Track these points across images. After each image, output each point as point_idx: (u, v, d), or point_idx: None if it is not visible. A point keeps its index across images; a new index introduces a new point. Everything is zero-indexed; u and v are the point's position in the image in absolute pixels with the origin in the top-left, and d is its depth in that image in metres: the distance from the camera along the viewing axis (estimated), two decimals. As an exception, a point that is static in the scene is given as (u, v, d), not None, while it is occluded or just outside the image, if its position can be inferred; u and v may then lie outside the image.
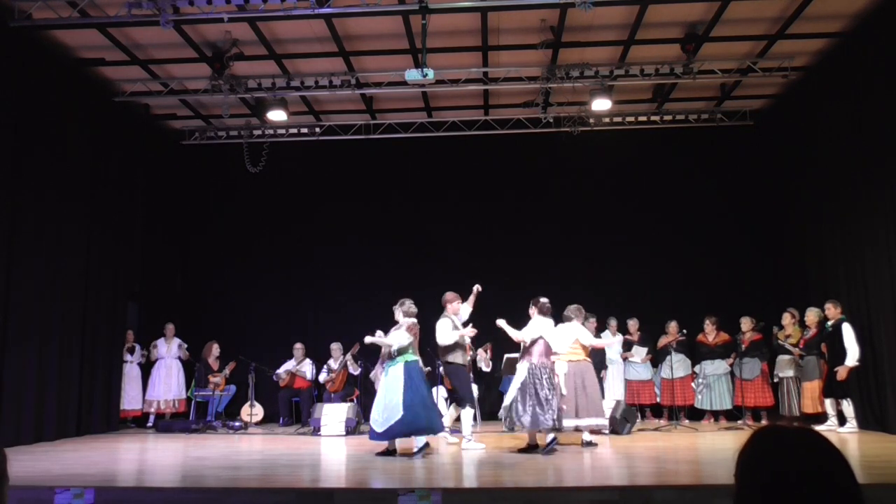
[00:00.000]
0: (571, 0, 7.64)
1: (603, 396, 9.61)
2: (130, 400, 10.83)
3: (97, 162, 9.98)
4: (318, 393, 11.11)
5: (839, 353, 8.62)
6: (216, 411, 10.93)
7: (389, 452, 7.09)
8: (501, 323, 7.43)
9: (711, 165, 11.80)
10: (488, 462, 6.68)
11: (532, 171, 12.10)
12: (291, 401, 11.19)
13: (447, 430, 8.40)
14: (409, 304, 7.41)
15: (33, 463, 6.68)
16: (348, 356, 10.72)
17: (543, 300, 7.48)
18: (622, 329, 11.00)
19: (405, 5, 8.12)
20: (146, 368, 11.14)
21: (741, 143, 11.61)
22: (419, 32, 8.39)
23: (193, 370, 11.14)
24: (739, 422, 10.03)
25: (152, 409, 10.91)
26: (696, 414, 10.62)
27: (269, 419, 11.27)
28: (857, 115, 8.97)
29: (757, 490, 1.25)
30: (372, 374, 9.52)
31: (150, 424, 10.79)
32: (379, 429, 6.98)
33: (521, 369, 7.29)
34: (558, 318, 7.86)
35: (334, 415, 9.39)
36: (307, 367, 11.09)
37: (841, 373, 8.53)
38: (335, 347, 11.02)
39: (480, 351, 10.09)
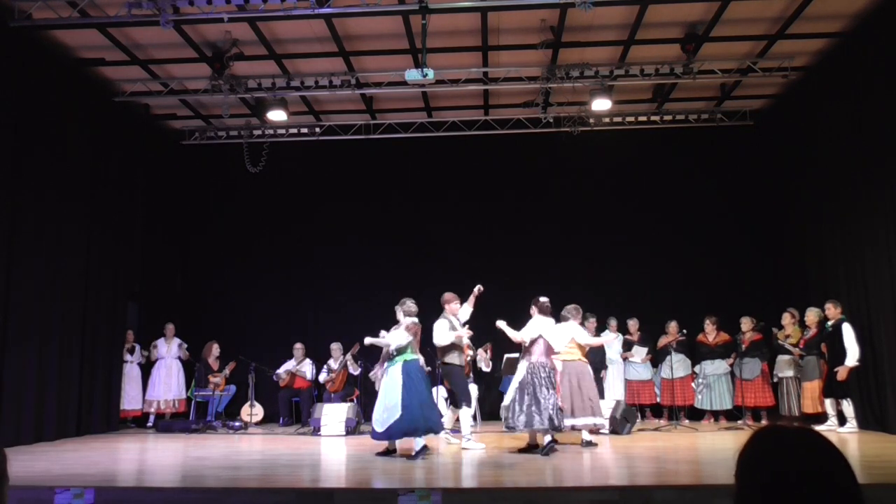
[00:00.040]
0: (571, 0, 7.64)
1: (603, 396, 9.64)
2: (130, 400, 10.83)
3: (97, 162, 9.98)
4: (318, 393, 11.11)
5: (839, 353, 8.62)
6: (216, 411, 10.93)
7: (389, 452, 7.10)
8: (501, 324, 7.44)
9: (711, 165, 11.80)
10: (488, 462, 6.68)
11: (532, 171, 12.10)
12: (291, 401, 11.19)
13: (447, 430, 8.40)
14: (410, 304, 7.41)
15: (33, 463, 6.68)
16: (348, 356, 10.72)
17: (543, 300, 7.49)
18: (622, 329, 11.00)
19: (405, 5, 8.12)
20: (146, 368, 11.14)
21: (741, 143, 11.61)
22: (419, 32, 8.39)
23: (193, 370, 11.14)
24: (739, 422, 10.03)
25: (152, 409, 10.91)
26: (696, 414, 10.62)
27: (269, 419, 11.27)
28: (857, 115, 8.97)
29: (757, 490, 1.25)
30: (372, 374, 9.52)
31: (150, 424, 10.80)
32: (379, 429, 7.00)
33: (521, 369, 7.31)
34: (558, 317, 7.86)
35: (334, 415, 9.39)
36: (307, 367, 11.09)
37: (841, 373, 8.53)
38: (335, 347, 11.02)
39: (480, 351, 10.09)
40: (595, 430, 8.05)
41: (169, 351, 11.14)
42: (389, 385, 7.03)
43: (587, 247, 11.70)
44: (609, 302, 11.02)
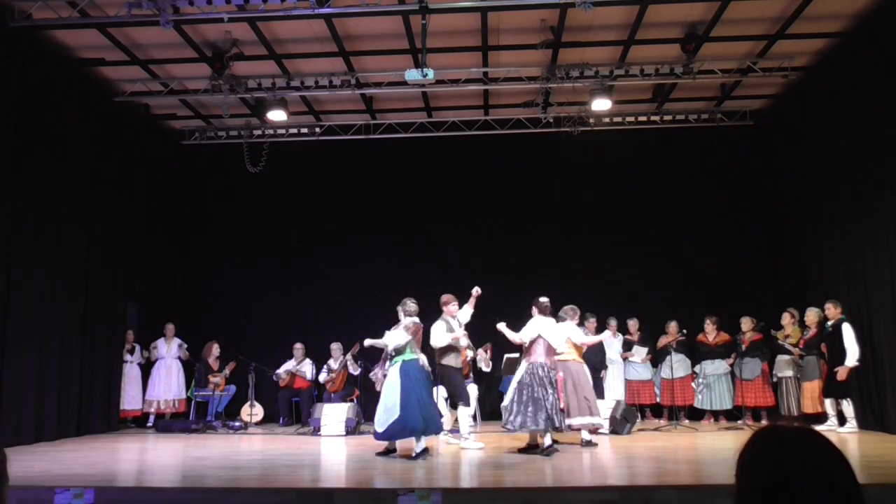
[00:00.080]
0: (571, 0, 7.64)
1: (603, 396, 9.65)
2: (130, 400, 10.83)
3: (97, 162, 9.98)
4: (318, 393, 11.11)
5: (839, 353, 8.62)
6: (216, 411, 10.93)
7: (389, 452, 7.10)
8: (501, 327, 7.43)
9: (711, 165, 11.80)
10: (488, 462, 6.68)
11: (532, 171, 12.10)
12: (291, 401, 11.19)
13: (446, 431, 8.40)
14: (410, 304, 7.41)
15: (33, 463, 6.68)
16: (348, 356, 10.73)
17: (543, 300, 7.49)
18: (622, 329, 11.01)
19: (405, 5, 8.12)
20: (146, 368, 11.15)
21: (741, 143, 11.61)
22: (419, 32, 8.39)
23: (193, 370, 11.14)
24: (739, 422, 10.03)
25: (152, 409, 10.91)
26: (696, 414, 10.62)
27: (269, 419, 11.27)
28: (857, 115, 8.97)
29: (757, 490, 1.25)
30: (372, 374, 9.53)
31: (150, 424, 10.80)
32: (379, 429, 7.02)
33: (521, 369, 7.31)
34: (558, 318, 7.86)
35: (334, 415, 9.39)
36: (307, 367, 11.09)
37: (841, 373, 8.53)
38: (335, 347, 11.02)
39: (480, 351, 10.09)
40: (595, 430, 8.05)
41: (169, 351, 11.15)
42: (389, 386, 7.04)
43: (587, 247, 11.69)
44: (609, 302, 11.02)
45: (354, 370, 10.74)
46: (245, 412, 10.71)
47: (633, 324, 11.01)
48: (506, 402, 7.30)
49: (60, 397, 8.99)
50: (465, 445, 7.59)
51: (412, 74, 8.42)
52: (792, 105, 10.88)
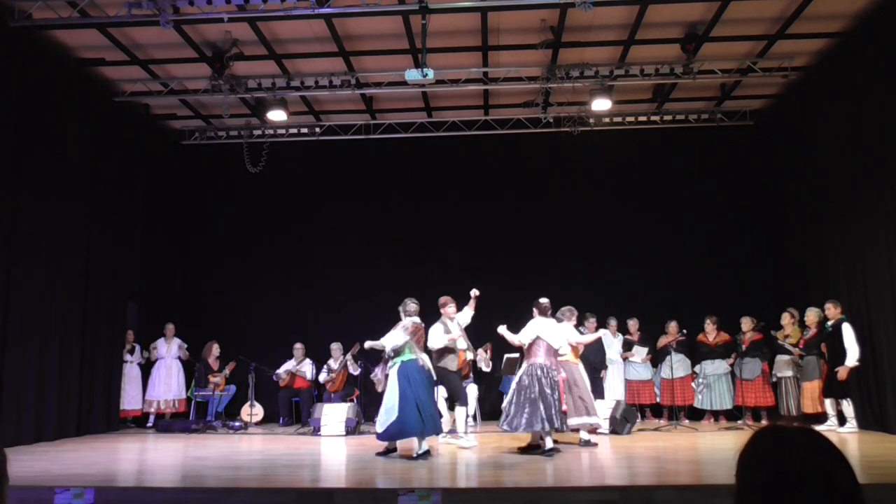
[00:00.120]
0: (571, 0, 7.64)
1: (603, 396, 9.65)
2: (130, 400, 10.83)
3: (97, 162, 9.98)
4: (318, 393, 11.11)
5: (839, 353, 8.62)
6: (216, 411, 10.93)
7: (389, 452, 7.10)
8: (502, 330, 7.42)
9: (711, 165, 11.80)
10: (488, 462, 6.68)
11: (532, 171, 12.10)
12: (291, 401, 11.19)
13: (445, 433, 8.41)
14: (410, 304, 7.41)
15: (33, 463, 6.68)
16: (348, 356, 10.73)
17: (543, 301, 7.48)
18: (622, 329, 11.01)
19: (405, 5, 8.12)
20: (146, 368, 11.15)
21: (741, 143, 11.61)
22: (419, 32, 8.39)
23: (193, 370, 11.14)
24: (739, 422, 10.03)
25: (152, 409, 10.92)
26: (696, 414, 10.62)
27: (269, 419, 11.27)
28: (857, 115, 8.97)
29: (757, 490, 1.25)
30: (373, 375, 9.56)
31: (150, 424, 10.80)
32: (379, 429, 7.06)
33: (521, 370, 7.33)
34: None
35: (334, 415, 9.39)
36: (307, 367, 11.09)
37: (841, 373, 8.53)
38: (335, 347, 11.03)
39: (480, 351, 10.09)
40: (594, 430, 8.05)
41: (169, 351, 11.14)
42: (390, 386, 7.08)
43: (587, 247, 11.69)
44: (609, 302, 11.02)
45: (354, 370, 10.74)
46: (245, 412, 10.71)
47: (633, 324, 11.01)
48: (505, 402, 7.33)
49: (60, 397, 8.99)
50: (461, 444, 7.66)
51: (412, 74, 8.42)
52: (792, 105, 10.88)
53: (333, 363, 11.02)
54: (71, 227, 9.33)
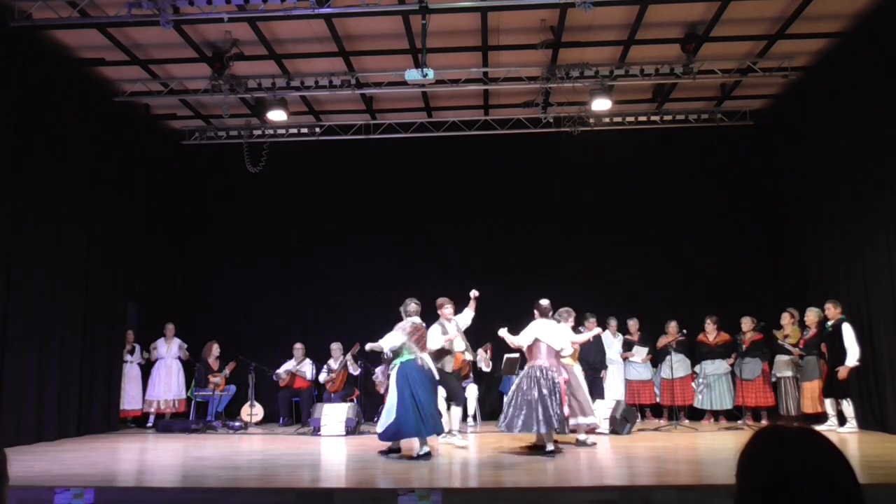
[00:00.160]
0: (571, 0, 7.64)
1: (603, 396, 9.65)
2: (130, 400, 10.83)
3: (97, 162, 9.98)
4: (318, 393, 11.11)
5: (839, 353, 8.62)
6: (216, 411, 10.93)
7: (392, 451, 7.11)
8: (503, 333, 7.42)
9: (711, 165, 11.80)
10: (488, 462, 6.68)
11: (532, 171, 12.09)
12: (291, 401, 11.19)
13: (444, 433, 8.42)
14: (410, 305, 7.41)
15: (33, 463, 6.68)
16: (348, 356, 10.73)
17: (543, 302, 7.47)
18: (622, 329, 11.01)
19: (405, 5, 8.12)
20: (146, 368, 11.15)
21: (741, 143, 11.61)
22: (419, 32, 8.39)
23: (193, 370, 11.14)
24: (739, 422, 10.02)
25: (152, 409, 10.92)
26: (696, 414, 10.62)
27: (269, 419, 11.27)
28: (857, 115, 8.97)
29: (757, 490, 1.25)
30: (375, 377, 9.58)
31: (150, 424, 10.80)
32: (379, 430, 7.09)
33: (522, 372, 7.34)
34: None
35: (334, 415, 9.39)
36: (307, 367, 11.09)
37: (842, 373, 8.53)
38: (335, 347, 11.03)
39: (480, 351, 10.09)
40: (592, 430, 8.05)
41: (169, 351, 11.14)
42: (391, 387, 7.08)
43: (587, 247, 11.69)
44: (609, 302, 11.02)
45: (354, 370, 10.74)
46: (245, 412, 10.71)
47: (633, 324, 11.01)
48: (504, 403, 7.35)
49: (60, 397, 8.98)
50: (452, 441, 7.74)
51: (412, 74, 8.42)
52: (792, 105, 10.88)
53: (333, 363, 11.02)
54: (71, 227, 9.33)
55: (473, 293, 8.02)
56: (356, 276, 11.89)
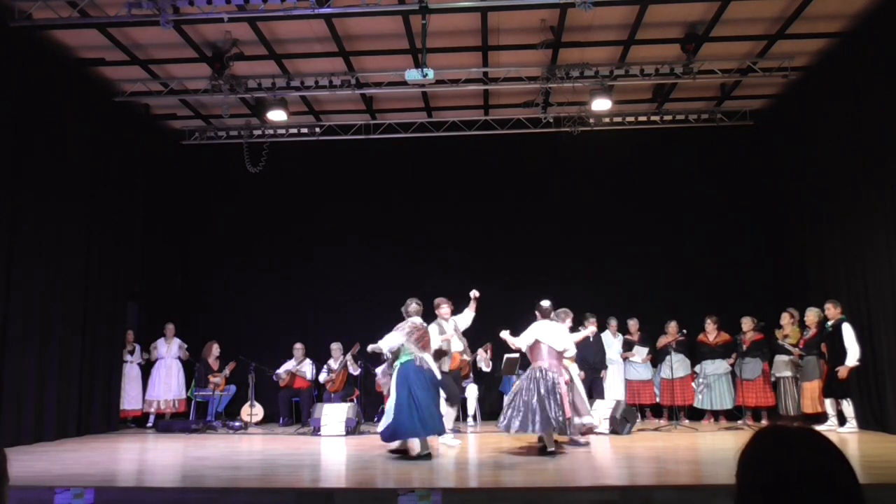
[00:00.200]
0: (571, 0, 7.64)
1: (603, 396, 9.65)
2: (130, 400, 10.83)
3: (97, 162, 9.98)
4: (318, 393, 11.12)
5: (839, 353, 8.62)
6: (216, 411, 10.93)
7: (402, 452, 7.10)
8: (504, 335, 7.42)
9: (711, 165, 11.80)
10: (488, 462, 6.68)
11: (532, 171, 12.09)
12: (291, 401, 11.19)
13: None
14: (411, 305, 7.39)
15: (33, 463, 6.68)
16: (348, 356, 10.73)
17: (544, 303, 7.45)
18: (622, 329, 11.01)
19: (405, 5, 8.12)
20: (146, 368, 11.15)
21: (741, 143, 11.61)
22: (419, 32, 8.39)
23: (193, 370, 11.14)
24: (739, 422, 10.02)
25: (152, 409, 10.92)
26: (696, 414, 10.62)
27: (269, 419, 11.27)
28: (857, 115, 8.97)
29: (758, 490, 1.25)
30: (377, 378, 9.56)
31: (150, 424, 10.80)
32: (379, 430, 7.09)
33: (523, 373, 7.34)
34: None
35: (334, 415, 9.39)
36: (307, 367, 11.09)
37: (842, 372, 8.53)
38: (335, 347, 11.03)
39: (480, 351, 10.10)
40: (590, 430, 8.04)
41: (169, 351, 11.14)
42: (392, 387, 7.07)
43: (587, 247, 11.69)
44: (609, 302, 11.02)
45: (354, 370, 10.74)
46: (245, 412, 10.71)
47: (633, 324, 11.01)
48: (504, 403, 7.35)
49: (60, 397, 8.98)
50: (444, 441, 7.73)
51: (412, 74, 8.42)
52: (792, 105, 10.88)
53: (333, 363, 11.02)
54: (71, 227, 9.33)
55: (473, 293, 8.02)
56: (356, 276, 11.89)
